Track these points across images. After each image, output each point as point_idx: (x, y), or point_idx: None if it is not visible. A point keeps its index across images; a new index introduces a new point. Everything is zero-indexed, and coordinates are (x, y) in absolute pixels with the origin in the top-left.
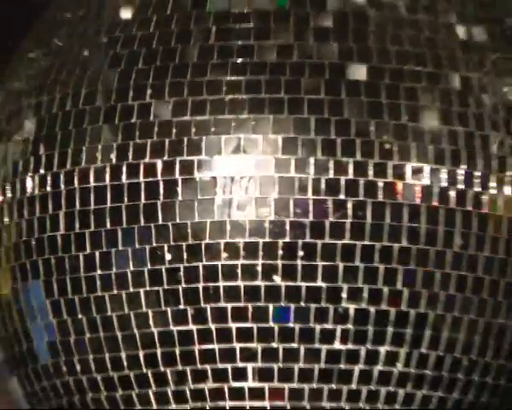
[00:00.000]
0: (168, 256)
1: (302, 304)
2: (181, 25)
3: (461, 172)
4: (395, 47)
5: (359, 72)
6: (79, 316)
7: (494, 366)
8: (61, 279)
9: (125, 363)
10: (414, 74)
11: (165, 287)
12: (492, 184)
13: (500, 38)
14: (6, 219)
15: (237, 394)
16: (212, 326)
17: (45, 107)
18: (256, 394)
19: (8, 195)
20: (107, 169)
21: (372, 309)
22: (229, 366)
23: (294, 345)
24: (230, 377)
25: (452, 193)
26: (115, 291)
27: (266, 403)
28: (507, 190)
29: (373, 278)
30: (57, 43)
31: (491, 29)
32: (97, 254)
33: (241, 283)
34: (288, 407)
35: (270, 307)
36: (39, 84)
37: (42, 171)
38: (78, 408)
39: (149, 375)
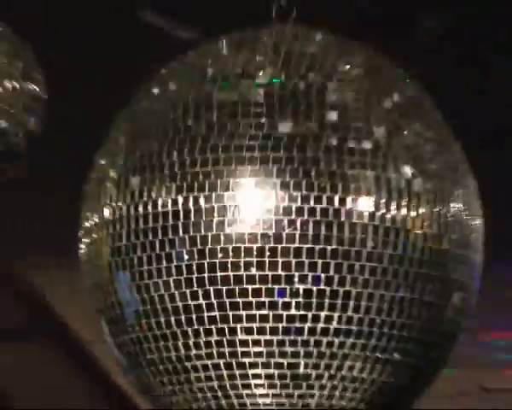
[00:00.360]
0: (186, 257)
1: (269, 285)
2: (195, 110)
3: (372, 199)
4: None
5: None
6: (143, 294)
7: (398, 323)
8: (141, 270)
9: (164, 325)
10: (340, 141)
11: (185, 276)
12: (393, 207)
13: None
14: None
15: (231, 343)
16: (214, 301)
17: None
18: (243, 343)
19: (96, 220)
20: (150, 202)
21: (314, 288)
22: (225, 326)
23: (265, 312)
24: (227, 332)
25: (366, 213)
26: (156, 279)
27: (250, 349)
28: (403, 211)
29: (314, 268)
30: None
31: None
32: (144, 256)
33: (230, 273)
34: (264, 351)
35: (250, 287)
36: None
37: (128, 201)
38: (139, 353)
39: (178, 332)
